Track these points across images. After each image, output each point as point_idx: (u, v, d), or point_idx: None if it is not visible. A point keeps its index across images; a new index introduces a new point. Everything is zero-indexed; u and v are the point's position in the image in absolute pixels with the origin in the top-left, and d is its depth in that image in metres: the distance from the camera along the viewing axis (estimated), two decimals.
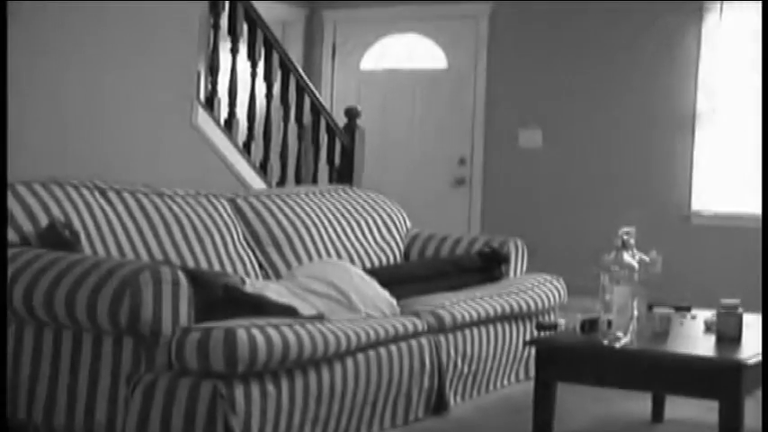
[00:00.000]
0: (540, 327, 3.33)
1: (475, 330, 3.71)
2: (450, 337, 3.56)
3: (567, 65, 6.35)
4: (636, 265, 2.75)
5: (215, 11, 4.86)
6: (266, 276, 3.76)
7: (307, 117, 5.48)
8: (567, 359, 2.86)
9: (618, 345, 2.72)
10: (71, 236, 3.03)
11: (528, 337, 3.98)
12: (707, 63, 5.94)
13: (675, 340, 2.96)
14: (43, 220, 3.07)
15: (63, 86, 3.87)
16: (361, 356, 3.09)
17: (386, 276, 3.74)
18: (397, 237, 4.49)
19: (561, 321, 3.22)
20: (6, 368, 2.80)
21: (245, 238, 3.80)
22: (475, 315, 3.65)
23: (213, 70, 4.89)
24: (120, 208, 3.37)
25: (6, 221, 2.99)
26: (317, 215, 4.13)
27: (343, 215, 4.28)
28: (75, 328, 2.77)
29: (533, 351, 2.92)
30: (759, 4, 5.64)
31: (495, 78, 6.59)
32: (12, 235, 2.97)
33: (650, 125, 6.11)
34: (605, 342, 2.73)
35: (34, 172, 3.26)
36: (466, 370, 3.66)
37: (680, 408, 3.51)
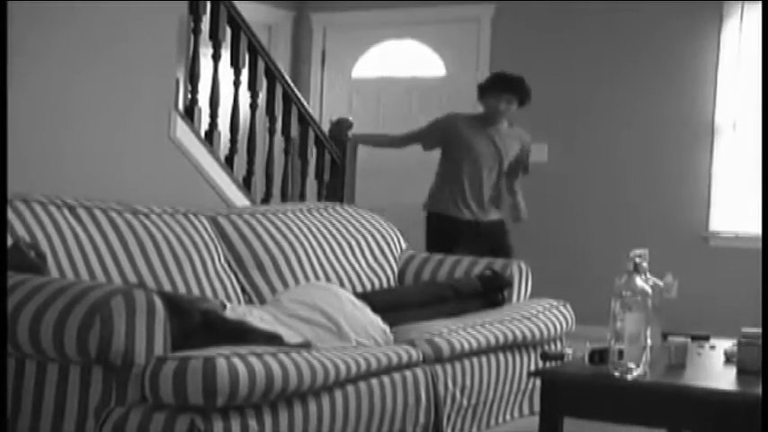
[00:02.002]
0: (545, 357, 3.32)
1: (475, 360, 3.70)
2: (448, 367, 3.55)
3: (575, 72, 6.37)
4: (649, 290, 2.74)
5: (195, 13, 4.87)
6: (249, 301, 3.75)
7: (294, 129, 5.49)
8: (575, 392, 2.85)
9: (630, 377, 2.71)
10: (37, 257, 3.02)
11: (532, 368, 3.97)
12: (726, 70, 5.95)
13: (693, 372, 2.95)
14: (7, 241, 3.05)
15: (26, 94, 3.86)
16: (351, 388, 3.07)
17: (378, 301, 3.73)
18: (391, 258, 4.49)
19: (568, 351, 3.21)
20: None
21: (227, 260, 3.79)
22: (475, 344, 3.64)
23: (193, 78, 4.90)
24: (91, 227, 3.36)
25: (6, 230, 2.98)
26: (304, 235, 4.12)
27: (332, 235, 4.27)
28: (39, 358, 2.75)
29: (538, 383, 2.90)
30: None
31: None
32: None
33: (665, 138, 6.12)
34: (616, 374, 2.72)
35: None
36: (465, 403, 3.64)
37: None
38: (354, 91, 7.05)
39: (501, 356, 3.84)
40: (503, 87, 5.31)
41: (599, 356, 2.84)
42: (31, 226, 3.18)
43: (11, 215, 3.14)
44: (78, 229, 3.32)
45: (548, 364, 3.21)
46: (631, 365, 2.71)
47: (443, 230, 5.38)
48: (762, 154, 5.60)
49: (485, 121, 5.38)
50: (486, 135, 5.35)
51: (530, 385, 4.01)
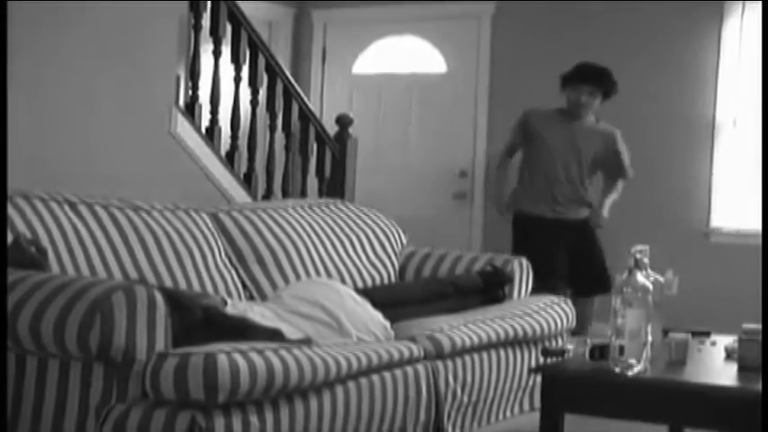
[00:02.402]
0: (546, 353, 3.32)
1: (476, 357, 3.70)
2: (449, 363, 3.55)
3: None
4: (650, 286, 2.74)
5: (196, 10, 4.87)
6: (250, 297, 3.75)
7: (295, 125, 5.48)
8: (576, 388, 2.85)
9: (630, 373, 2.71)
10: (38, 253, 3.02)
11: (533, 365, 3.97)
12: (727, 68, 5.95)
13: (693, 368, 2.95)
14: (7, 237, 3.05)
15: (26, 91, 3.86)
16: (351, 385, 3.07)
17: (379, 297, 3.73)
18: (392, 255, 4.48)
19: (569, 347, 3.21)
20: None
21: (228, 256, 3.79)
22: (476, 340, 3.64)
23: (194, 74, 4.90)
24: (92, 223, 3.36)
25: (6, 227, 2.99)
26: (305, 231, 4.12)
27: (333, 231, 4.27)
28: (40, 354, 2.75)
29: (539, 379, 2.91)
30: None
31: (499, 84, 6.60)
32: None
33: (666, 135, 6.12)
34: (617, 370, 2.72)
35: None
36: (466, 400, 3.64)
37: None
38: (355, 87, 7.05)
39: (502, 353, 3.84)
40: (584, 78, 5.07)
41: (599, 352, 2.84)
42: (31, 222, 3.18)
43: (11, 211, 3.14)
44: (79, 225, 3.32)
45: (548, 361, 3.21)
46: (632, 361, 2.71)
47: (519, 228, 5.29)
48: (762, 152, 5.61)
49: (565, 114, 5.15)
50: (564, 129, 5.14)
51: (530, 381, 4.01)
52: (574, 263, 5.24)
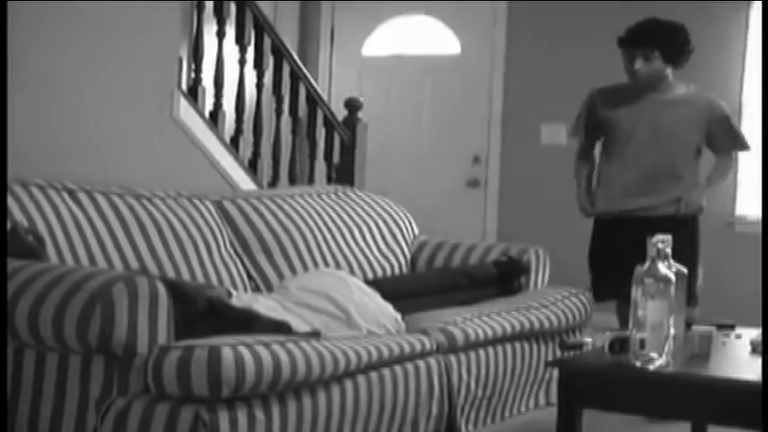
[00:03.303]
0: (563, 346, 3.32)
1: (490, 350, 3.70)
2: (462, 357, 3.55)
3: (596, 50, 6.33)
4: (672, 277, 2.73)
5: None
6: (255, 288, 3.76)
7: (302, 109, 5.48)
8: (594, 383, 2.85)
9: (652, 367, 2.71)
10: (35, 242, 3.03)
11: (550, 358, 3.97)
12: (753, 57, 5.93)
13: (717, 362, 2.95)
14: (6, 229, 3.06)
15: (21, 74, 3.86)
16: (361, 379, 3.08)
17: (390, 289, 3.73)
18: (403, 244, 4.48)
19: (588, 340, 3.20)
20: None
21: (233, 246, 3.80)
22: (490, 332, 3.64)
23: (197, 56, 4.89)
24: (92, 211, 3.37)
25: (6, 221, 3.00)
26: (312, 219, 4.12)
27: (342, 219, 4.27)
28: (38, 347, 2.76)
29: (556, 373, 2.90)
30: None
31: (515, 65, 6.58)
32: None
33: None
34: (637, 364, 2.72)
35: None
36: (480, 394, 3.65)
37: None
38: (364, 69, 7.04)
39: (517, 346, 3.84)
40: (631, 40, 4.16)
41: (619, 346, 2.84)
42: (29, 210, 3.18)
43: (8, 199, 3.15)
44: (78, 214, 3.33)
45: (566, 354, 3.21)
46: (653, 355, 2.70)
47: (594, 231, 4.50)
48: (761, 150, 5.62)
49: (634, 88, 4.26)
50: (633, 105, 4.25)
51: (547, 375, 4.01)
52: None
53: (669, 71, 4.24)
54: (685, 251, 3.77)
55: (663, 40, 4.15)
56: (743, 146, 4.43)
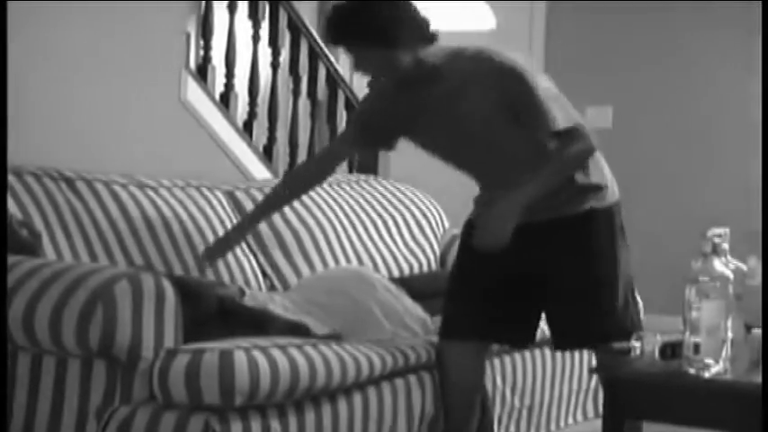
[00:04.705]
0: (609, 351, 3.30)
1: (527, 355, 3.69)
2: (497, 362, 3.55)
3: (647, 22, 6.30)
4: (730, 275, 2.72)
5: None
6: (271, 287, 3.77)
7: (321, 91, 5.48)
8: (644, 392, 2.84)
9: (707, 374, 2.69)
10: (30, 236, 3.05)
11: (594, 364, 3.96)
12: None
13: None
14: (7, 225, 3.08)
15: (12, 53, 3.88)
16: (386, 386, 3.08)
17: (417, 287, 3.74)
18: (432, 238, 4.48)
19: (636, 344, 3.19)
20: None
21: (246, 240, 3.81)
22: None
23: (206, 33, 4.90)
24: (92, 202, 3.38)
25: (6, 217, 3.03)
26: (333, 211, 4.13)
27: (365, 211, 4.27)
28: (34, 350, 2.78)
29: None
30: None
31: (556, 41, 6.56)
32: None
33: (748, 100, 6.06)
34: (691, 371, 2.71)
35: None
36: (517, 404, 3.64)
37: None
38: None
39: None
40: (328, 38, 3.37)
41: (671, 351, 2.82)
42: (23, 201, 3.20)
43: None
44: (77, 205, 3.34)
45: (611, 360, 3.20)
46: (709, 361, 2.69)
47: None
48: (762, 152, 5.65)
49: (397, 86, 3.28)
50: (409, 106, 3.26)
51: (592, 383, 4.00)
52: None
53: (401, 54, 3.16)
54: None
55: (348, 30, 3.20)
56: (546, 124, 3.14)
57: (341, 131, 3.77)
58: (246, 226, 3.53)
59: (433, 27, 3.25)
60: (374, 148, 3.57)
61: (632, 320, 3.25)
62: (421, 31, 3.22)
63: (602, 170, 3.25)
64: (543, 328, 3.69)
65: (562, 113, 3.11)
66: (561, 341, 3.31)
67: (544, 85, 3.14)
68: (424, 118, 3.24)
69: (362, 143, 3.50)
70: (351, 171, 5.50)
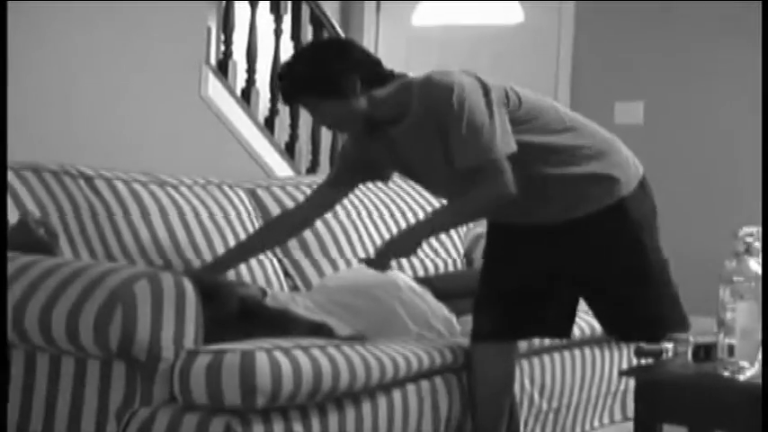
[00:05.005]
0: (640, 353, 3.28)
1: (556, 356, 3.68)
2: (525, 364, 3.54)
3: (680, 19, 6.27)
4: None
5: None
6: (293, 287, 3.77)
7: None
8: (676, 395, 2.82)
9: (742, 377, 2.67)
10: (47, 235, 3.05)
11: (625, 366, 3.94)
12: None
13: None
14: (12, 216, 3.09)
15: (34, 50, 3.90)
16: (411, 388, 3.08)
17: (443, 287, 3.73)
18: (456, 237, 4.47)
19: (668, 346, 3.17)
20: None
21: None
22: None
23: (227, 27, 4.91)
24: (111, 200, 3.39)
25: (6, 217, 3.04)
26: (355, 209, 4.12)
27: (388, 209, 4.27)
28: (52, 351, 2.79)
29: (632, 384, 2.88)
30: None
31: (585, 35, 6.53)
32: None
33: None
34: (725, 374, 2.69)
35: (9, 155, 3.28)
36: (545, 407, 3.63)
37: None
38: (414, 41, 7.03)
39: (587, 351, 3.82)
40: (283, 96, 3.32)
41: (704, 353, 2.81)
42: (41, 199, 3.21)
43: (18, 186, 3.18)
44: (96, 203, 3.35)
45: (643, 362, 3.18)
46: (744, 364, 2.67)
47: None
48: (762, 153, 5.65)
49: (365, 133, 3.25)
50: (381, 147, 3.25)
51: (622, 386, 3.98)
52: None
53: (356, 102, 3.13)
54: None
55: (298, 84, 3.17)
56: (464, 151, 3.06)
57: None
58: (219, 269, 3.39)
59: (383, 66, 3.22)
60: (360, 182, 3.53)
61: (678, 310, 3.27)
62: (373, 75, 3.18)
63: (614, 162, 3.22)
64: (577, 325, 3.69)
65: (498, 145, 3.01)
66: (617, 334, 3.42)
67: (479, 111, 3.02)
68: (395, 154, 3.23)
69: (347, 182, 3.44)
70: None
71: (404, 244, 3.15)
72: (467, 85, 3.04)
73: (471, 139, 2.99)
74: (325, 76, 3.11)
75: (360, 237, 4.06)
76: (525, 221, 3.20)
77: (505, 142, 3.02)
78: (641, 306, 3.22)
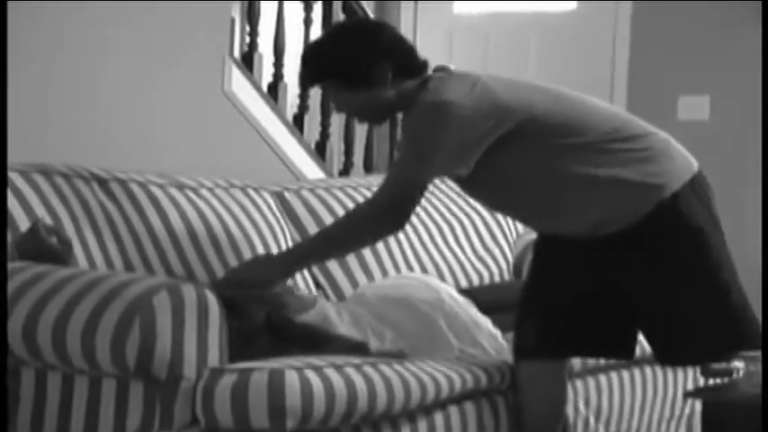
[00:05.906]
0: (707, 372, 3.27)
1: (614, 375, 3.67)
2: (579, 384, 3.53)
3: (745, 5, 6.24)
4: None
5: None
6: (325, 298, 3.77)
7: None
8: (746, 419, 2.81)
9: None
10: (60, 243, 3.07)
11: (690, 387, 3.92)
12: None
13: None
14: (23, 223, 3.11)
15: (52, 43, 3.93)
16: (454, 410, 3.07)
17: (488, 300, 3.72)
18: (504, 245, 4.46)
19: (739, 365, 3.16)
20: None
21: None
22: None
23: (252, 17, 4.93)
24: (127, 205, 3.41)
25: (6, 217, 3.06)
26: None
27: (429, 215, 4.27)
28: (65, 369, 2.80)
29: (698, 407, 2.87)
30: None
31: (645, 22, 6.51)
32: None
33: None
34: None
35: (17, 157, 3.30)
36: (602, 431, 3.62)
37: None
38: (456, 31, 7.03)
39: (648, 371, 3.81)
40: (303, 79, 3.61)
41: None
42: (52, 204, 3.23)
43: (28, 191, 3.20)
44: (111, 208, 3.37)
45: (711, 383, 3.17)
46: None
47: None
48: (762, 153, 5.71)
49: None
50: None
51: (687, 409, 3.96)
52: None
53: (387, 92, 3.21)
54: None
55: (315, 70, 3.30)
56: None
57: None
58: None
59: (416, 55, 3.25)
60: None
61: (744, 322, 3.12)
62: (403, 64, 3.22)
63: (658, 165, 3.15)
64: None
65: (418, 182, 3.12)
66: (665, 358, 3.30)
67: (427, 143, 3.05)
68: None
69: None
70: None
71: (251, 274, 3.17)
72: (454, 111, 3.04)
73: (396, 168, 3.18)
74: (353, 62, 3.16)
75: (399, 244, 4.05)
76: (559, 232, 3.19)
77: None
78: (700, 322, 3.12)
